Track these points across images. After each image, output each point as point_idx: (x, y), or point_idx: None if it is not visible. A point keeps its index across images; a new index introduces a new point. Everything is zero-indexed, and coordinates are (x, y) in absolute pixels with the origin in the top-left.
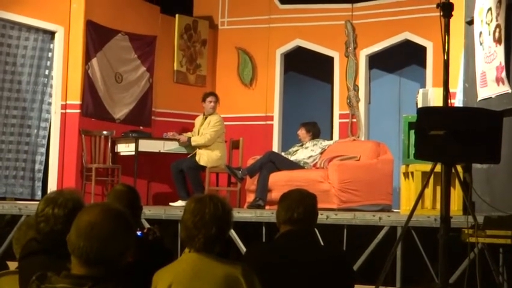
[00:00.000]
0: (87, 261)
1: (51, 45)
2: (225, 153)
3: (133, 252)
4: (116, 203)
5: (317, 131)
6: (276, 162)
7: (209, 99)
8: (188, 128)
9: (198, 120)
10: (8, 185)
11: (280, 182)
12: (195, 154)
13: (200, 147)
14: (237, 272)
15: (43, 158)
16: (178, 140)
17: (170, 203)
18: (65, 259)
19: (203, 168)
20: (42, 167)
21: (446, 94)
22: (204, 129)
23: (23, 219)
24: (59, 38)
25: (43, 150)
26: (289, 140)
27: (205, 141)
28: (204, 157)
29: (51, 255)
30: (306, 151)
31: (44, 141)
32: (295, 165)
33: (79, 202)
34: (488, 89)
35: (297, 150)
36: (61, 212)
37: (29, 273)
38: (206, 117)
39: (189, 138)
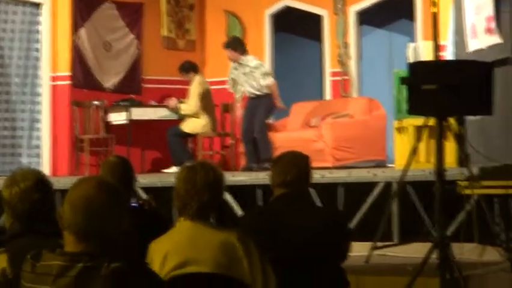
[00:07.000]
0: (84, 236)
1: (40, 18)
2: (213, 119)
3: (130, 224)
4: (109, 175)
5: (243, 45)
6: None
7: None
8: (179, 94)
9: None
10: (6, 163)
11: (274, 145)
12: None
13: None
14: (233, 237)
15: (40, 133)
16: (169, 105)
17: (164, 170)
18: (51, 237)
19: (191, 135)
20: (40, 142)
21: (436, 47)
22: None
23: None
24: (45, 10)
25: (39, 125)
26: (281, 99)
27: (192, 110)
28: (189, 124)
29: (37, 234)
30: (250, 77)
31: (40, 116)
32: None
33: (34, 171)
34: (479, 41)
35: (236, 80)
36: (28, 183)
37: (18, 256)
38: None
39: (179, 105)
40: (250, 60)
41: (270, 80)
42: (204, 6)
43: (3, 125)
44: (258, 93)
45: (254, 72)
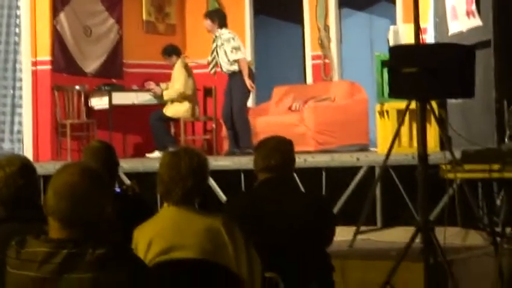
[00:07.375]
0: (69, 223)
1: (19, 3)
2: (195, 103)
3: (114, 210)
4: (92, 160)
5: (223, 18)
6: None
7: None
8: (161, 78)
9: None
10: None
11: (256, 129)
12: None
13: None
14: (218, 223)
15: (21, 118)
16: (153, 92)
17: (147, 154)
18: (35, 222)
19: (173, 119)
20: (22, 128)
21: (417, 30)
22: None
23: None
24: None
25: (21, 110)
26: (262, 84)
27: (176, 95)
28: (171, 108)
29: (21, 220)
30: (221, 50)
31: (21, 101)
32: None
33: (19, 156)
34: (459, 23)
35: (214, 52)
36: (13, 168)
37: (2, 241)
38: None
39: (162, 90)
40: (224, 33)
41: (239, 55)
42: None
43: None
44: (230, 68)
45: (224, 45)
